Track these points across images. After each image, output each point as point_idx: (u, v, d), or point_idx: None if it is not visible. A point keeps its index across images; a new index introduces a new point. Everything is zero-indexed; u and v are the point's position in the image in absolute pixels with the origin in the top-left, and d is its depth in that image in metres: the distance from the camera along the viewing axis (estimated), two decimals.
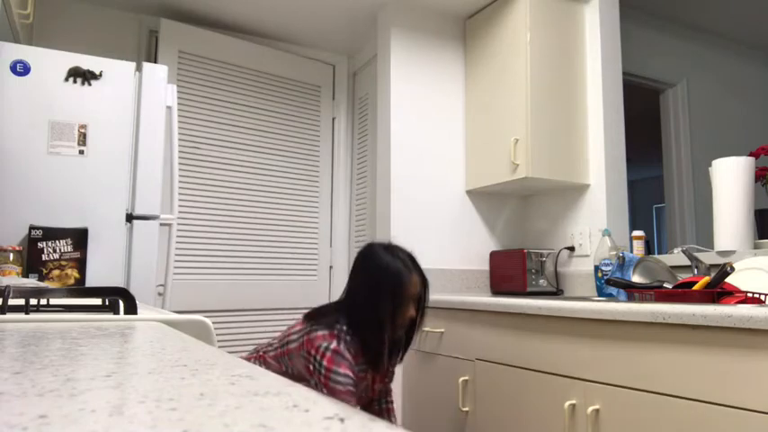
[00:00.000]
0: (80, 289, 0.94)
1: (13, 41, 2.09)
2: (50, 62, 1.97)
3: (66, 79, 1.98)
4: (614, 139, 2.54)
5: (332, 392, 1.61)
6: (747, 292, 1.54)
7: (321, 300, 3.15)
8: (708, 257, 1.99)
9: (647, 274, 2.02)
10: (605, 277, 2.14)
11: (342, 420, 0.25)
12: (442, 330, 2.25)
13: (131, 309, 0.86)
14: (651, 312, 1.40)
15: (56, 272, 1.87)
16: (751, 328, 1.20)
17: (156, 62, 2.73)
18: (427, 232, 2.67)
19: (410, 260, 1.70)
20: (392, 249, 1.72)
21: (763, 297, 1.53)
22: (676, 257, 2.12)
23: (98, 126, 2.02)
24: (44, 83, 1.95)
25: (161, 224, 2.14)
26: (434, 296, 2.35)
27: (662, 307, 1.39)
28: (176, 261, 2.63)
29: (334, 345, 1.64)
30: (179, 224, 2.67)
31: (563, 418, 1.64)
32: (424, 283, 1.73)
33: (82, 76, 2.00)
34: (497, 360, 1.94)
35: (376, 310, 1.65)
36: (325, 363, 1.62)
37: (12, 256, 1.79)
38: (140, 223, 2.08)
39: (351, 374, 1.63)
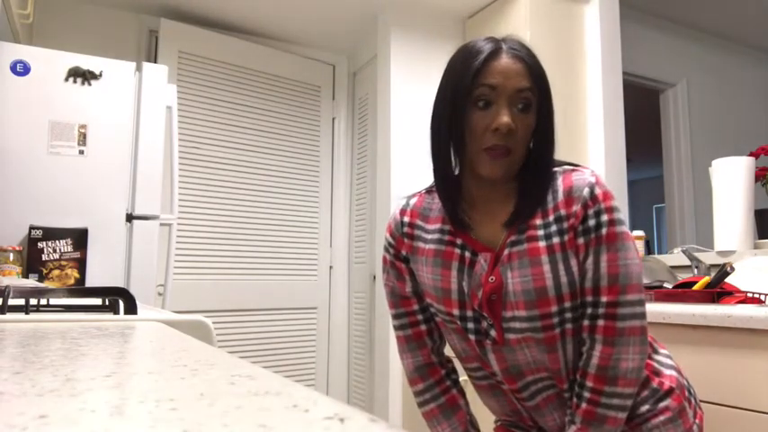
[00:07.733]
0: (80, 289, 0.94)
1: (13, 41, 2.09)
2: (50, 62, 1.97)
3: (66, 79, 1.98)
4: (614, 139, 2.54)
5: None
6: (747, 292, 1.54)
7: (321, 300, 3.15)
8: (708, 257, 1.99)
9: (647, 274, 2.02)
10: None
11: (342, 420, 0.25)
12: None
13: (131, 309, 0.86)
14: (651, 312, 1.40)
15: (56, 272, 1.87)
16: (751, 328, 1.21)
17: (156, 62, 2.73)
18: None
19: (505, 42, 0.97)
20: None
21: (763, 297, 1.53)
22: (676, 257, 2.12)
23: (98, 126, 2.02)
24: (44, 83, 1.95)
25: (161, 224, 2.14)
26: None
27: (662, 307, 1.39)
28: (176, 261, 2.63)
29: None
30: (179, 224, 2.67)
31: None
32: (533, 73, 0.98)
33: (82, 76, 2.00)
34: None
35: (433, 126, 1.01)
36: None
37: (12, 256, 1.79)
38: (140, 223, 2.08)
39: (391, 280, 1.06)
